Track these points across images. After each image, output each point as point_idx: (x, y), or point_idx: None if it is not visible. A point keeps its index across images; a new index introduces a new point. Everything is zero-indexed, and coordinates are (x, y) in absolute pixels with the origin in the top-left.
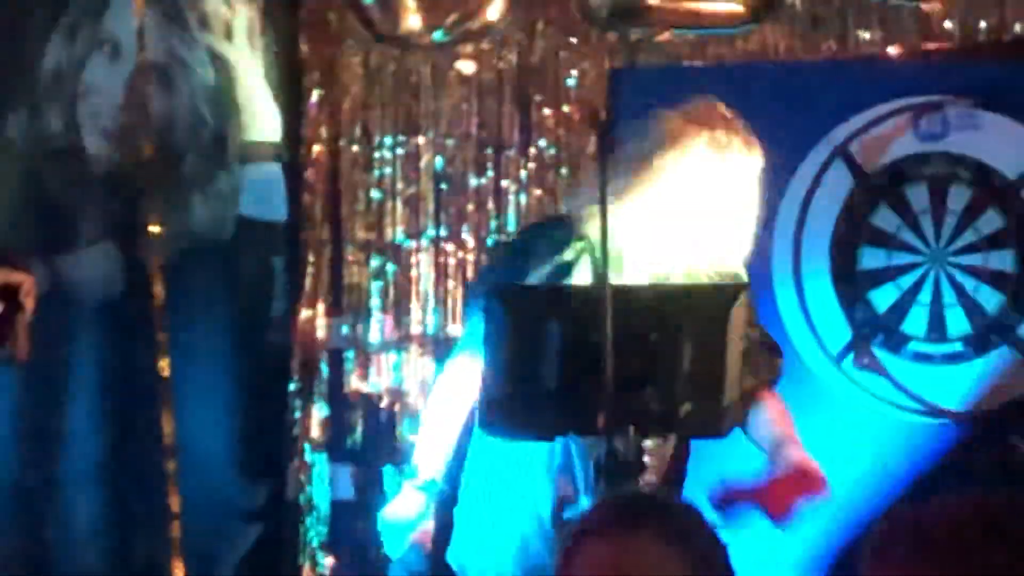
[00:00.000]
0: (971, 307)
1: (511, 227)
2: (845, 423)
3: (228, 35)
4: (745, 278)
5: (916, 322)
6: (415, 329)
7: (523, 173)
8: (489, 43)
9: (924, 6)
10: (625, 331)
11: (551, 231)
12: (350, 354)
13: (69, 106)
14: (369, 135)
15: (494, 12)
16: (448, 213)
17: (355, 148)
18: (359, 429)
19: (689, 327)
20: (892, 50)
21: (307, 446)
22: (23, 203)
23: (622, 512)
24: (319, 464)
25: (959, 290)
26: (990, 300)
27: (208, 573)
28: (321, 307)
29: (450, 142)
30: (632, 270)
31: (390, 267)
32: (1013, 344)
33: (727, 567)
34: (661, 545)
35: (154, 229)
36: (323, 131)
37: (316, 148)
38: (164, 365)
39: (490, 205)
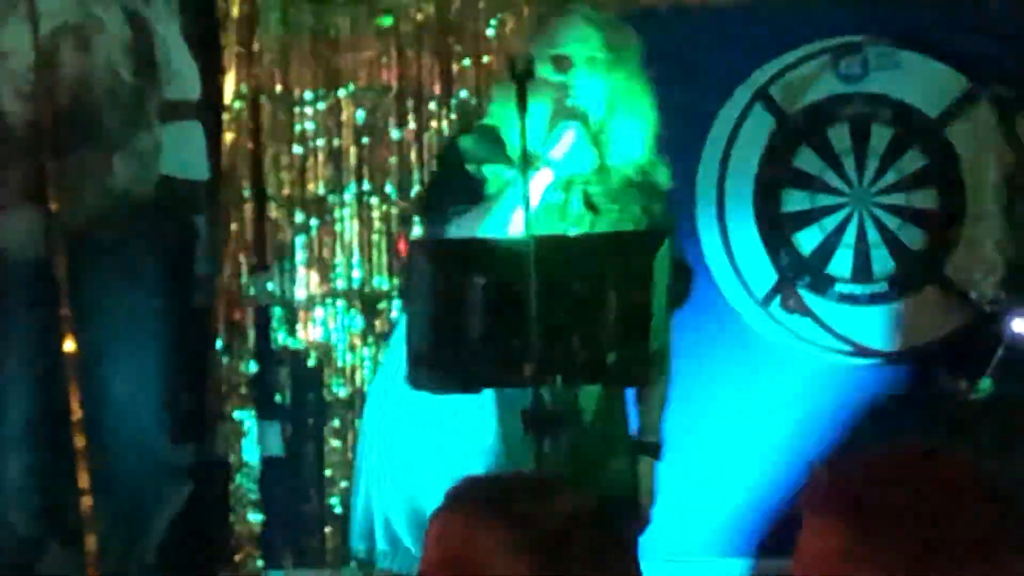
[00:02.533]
0: (896, 246)
1: None
2: (772, 366)
3: None
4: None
5: (841, 263)
6: (340, 284)
7: (444, 124)
8: None
9: None
10: (549, 281)
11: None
12: (276, 310)
13: None
14: (289, 90)
15: None
16: (371, 166)
17: (275, 103)
18: (287, 385)
19: (613, 275)
20: None
21: (235, 404)
22: None
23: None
24: (248, 421)
25: (883, 230)
26: (914, 239)
27: (139, 533)
28: (245, 264)
29: (370, 95)
30: None
31: (314, 222)
32: (938, 282)
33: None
34: (499, 530)
35: (54, 205)
36: (243, 87)
37: (236, 105)
38: (70, 340)
39: (412, 157)
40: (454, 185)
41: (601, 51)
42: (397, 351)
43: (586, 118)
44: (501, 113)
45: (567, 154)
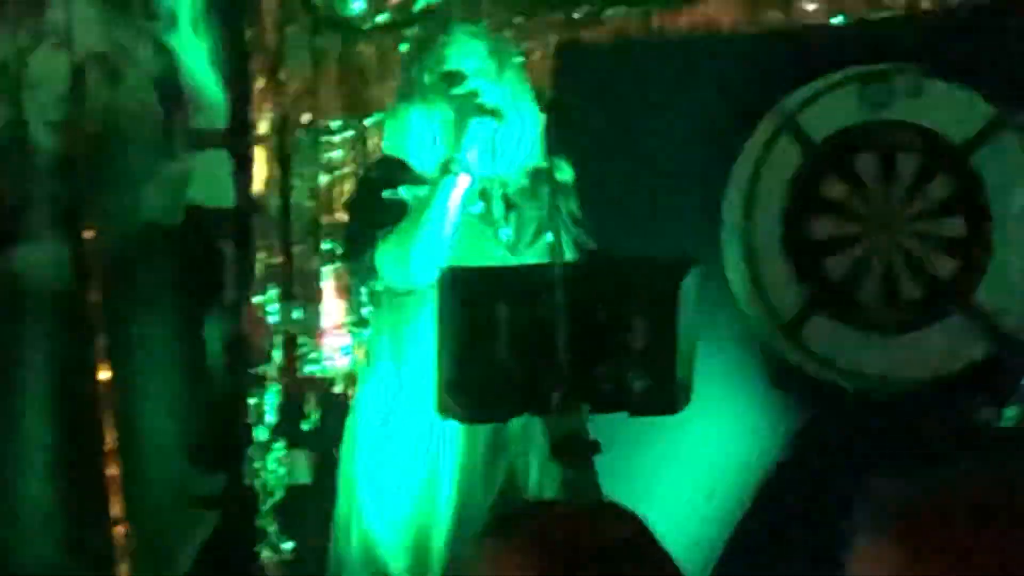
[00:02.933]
0: (922, 274)
1: None
2: (799, 393)
3: (173, 22)
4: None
5: (868, 291)
6: (366, 312)
7: None
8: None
9: None
10: (576, 310)
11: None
12: (303, 339)
13: (14, 98)
14: (316, 119)
15: None
16: None
17: (303, 132)
18: (314, 414)
19: (640, 304)
20: (837, 20)
21: (262, 432)
22: None
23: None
24: (275, 450)
25: (910, 257)
26: (941, 266)
27: (166, 562)
28: (273, 292)
29: None
30: None
31: (341, 250)
32: (965, 310)
33: None
34: (525, 556)
35: (88, 234)
36: (270, 116)
37: (264, 133)
38: (104, 370)
39: None
40: (373, 210)
41: (487, 61)
42: (371, 384)
43: (499, 116)
44: (398, 136)
45: (481, 153)
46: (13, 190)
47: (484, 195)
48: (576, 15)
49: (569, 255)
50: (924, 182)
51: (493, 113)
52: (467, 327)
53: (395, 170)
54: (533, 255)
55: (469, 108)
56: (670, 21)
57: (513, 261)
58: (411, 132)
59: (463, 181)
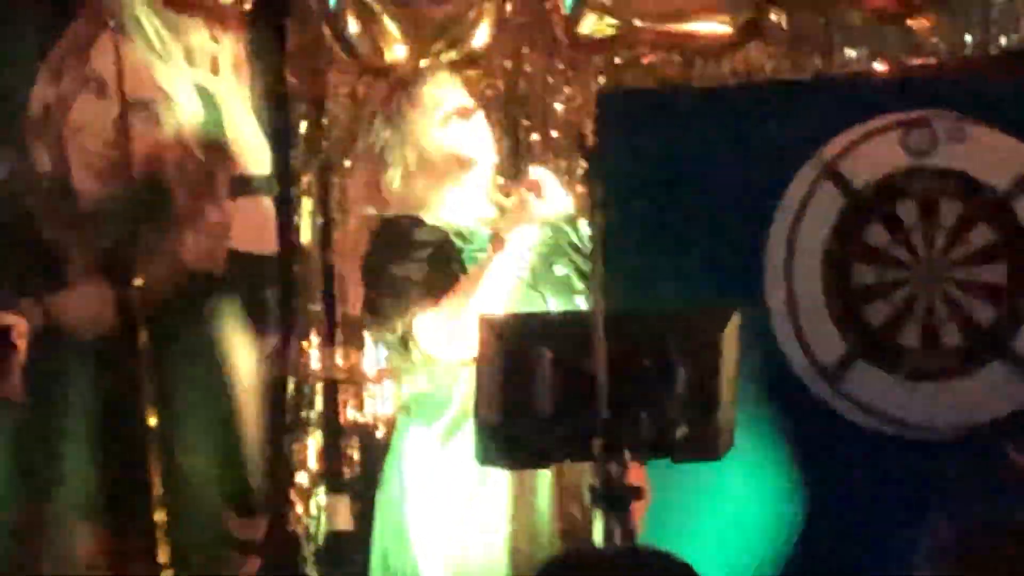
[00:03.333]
0: (964, 321)
1: None
2: (839, 440)
3: (214, 69)
4: None
5: (910, 337)
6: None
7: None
8: (475, 70)
9: (910, 22)
10: (617, 356)
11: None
12: (345, 384)
13: (57, 144)
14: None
15: (480, 39)
16: None
17: (344, 178)
18: (355, 460)
19: (681, 351)
20: (878, 66)
21: (304, 477)
22: (12, 242)
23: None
24: (316, 495)
25: (952, 304)
26: (984, 314)
27: None
28: (315, 338)
29: None
30: None
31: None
32: (1006, 358)
33: None
34: None
35: (138, 282)
36: (312, 162)
37: (305, 179)
38: (151, 415)
39: None
40: (394, 274)
41: None
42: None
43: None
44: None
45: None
46: (56, 236)
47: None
48: (617, 61)
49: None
50: (966, 229)
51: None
52: (507, 373)
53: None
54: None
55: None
56: (711, 67)
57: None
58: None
59: (511, 251)
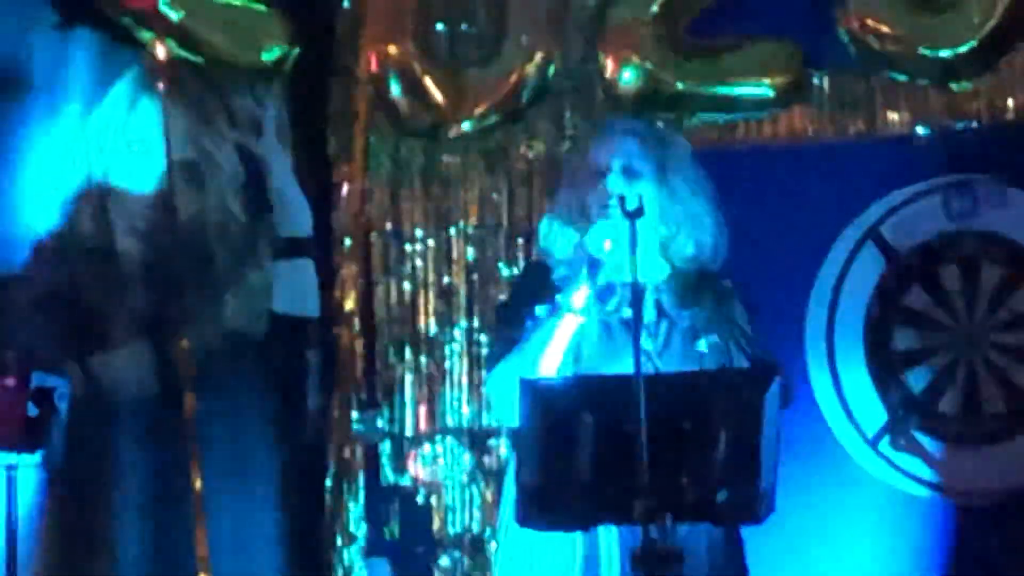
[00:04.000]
0: (1006, 386)
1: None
2: (882, 505)
3: (257, 131)
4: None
5: (951, 402)
6: (450, 421)
7: None
8: (517, 132)
9: (953, 85)
10: (658, 419)
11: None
12: (385, 447)
13: (100, 207)
14: (400, 227)
15: (521, 101)
16: (480, 304)
17: (386, 241)
18: (396, 521)
19: (723, 413)
20: (921, 130)
21: (345, 540)
22: (56, 304)
23: None
24: (357, 557)
25: (993, 369)
26: None
27: None
28: (355, 400)
29: (481, 232)
30: None
31: (423, 359)
32: None
33: None
34: None
35: (184, 344)
36: (354, 224)
37: (347, 242)
38: (196, 479)
39: None
40: (511, 323)
41: (638, 159)
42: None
43: (639, 216)
44: (544, 243)
45: (592, 293)
46: (99, 298)
47: (636, 298)
48: (660, 123)
49: (738, 365)
50: (1007, 293)
51: (633, 215)
52: (548, 436)
53: (540, 277)
54: (677, 362)
55: (605, 213)
56: (754, 130)
57: (652, 368)
58: (552, 241)
59: (569, 321)
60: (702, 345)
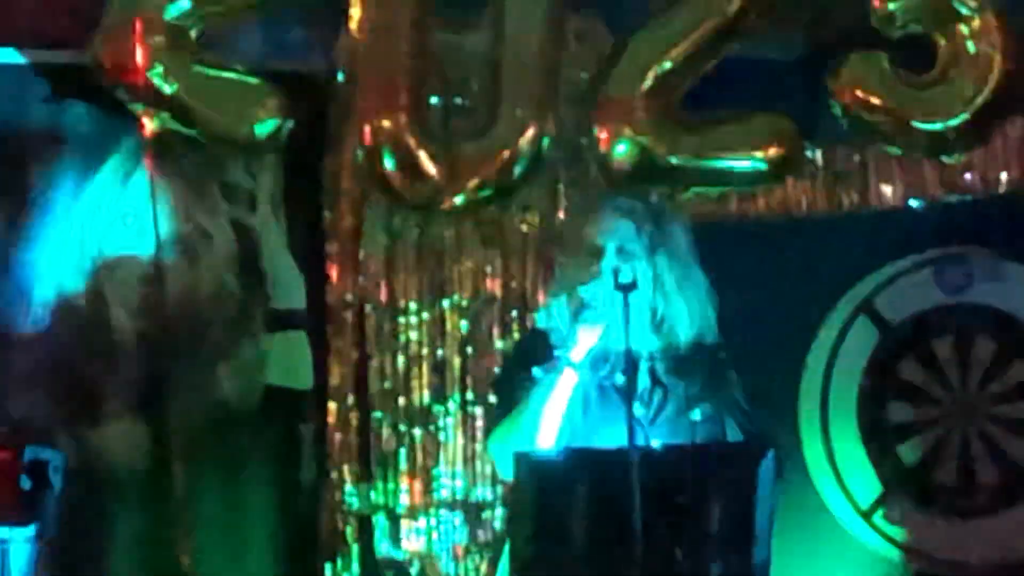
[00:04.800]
0: (1000, 459)
1: None
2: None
3: (251, 204)
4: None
5: (945, 475)
6: (444, 493)
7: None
8: (511, 205)
9: (945, 158)
10: (652, 492)
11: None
12: (379, 520)
13: (94, 279)
14: (394, 300)
15: (515, 175)
16: (474, 376)
17: (380, 313)
18: None
19: (716, 487)
20: (913, 202)
21: None
22: (50, 377)
23: None
24: None
25: (988, 442)
26: (1019, 451)
27: None
28: (349, 473)
29: (475, 305)
30: None
31: (417, 431)
32: None
33: None
34: None
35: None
36: (348, 297)
37: (341, 314)
38: (185, 553)
39: None
40: (511, 390)
41: (633, 239)
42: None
43: (633, 289)
44: (552, 315)
45: (590, 353)
46: (93, 371)
47: (631, 367)
48: (653, 198)
49: (732, 436)
50: (1001, 366)
51: (627, 288)
52: (544, 508)
53: (538, 346)
54: (668, 432)
55: (577, 305)
56: (748, 203)
57: (642, 436)
58: (555, 312)
59: (568, 377)
60: (695, 415)
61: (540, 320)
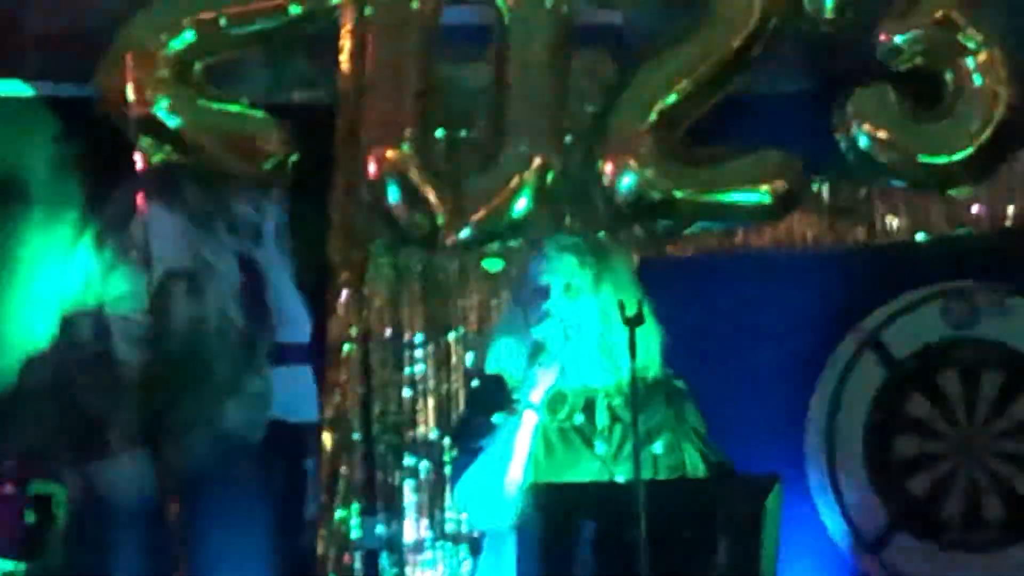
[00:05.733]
0: (1007, 493)
1: None
2: None
3: (257, 239)
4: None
5: (951, 509)
6: (449, 527)
7: None
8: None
9: (951, 192)
10: (658, 526)
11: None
12: (385, 554)
13: (98, 314)
14: (399, 334)
15: (520, 209)
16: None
17: (385, 347)
18: None
19: (723, 521)
20: (920, 236)
21: None
22: (54, 411)
23: None
24: None
25: (994, 476)
26: None
27: None
28: (355, 507)
29: (479, 339)
30: None
31: (423, 465)
32: None
33: None
34: None
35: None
36: (353, 331)
37: (346, 348)
38: None
39: None
40: (469, 435)
41: (578, 275)
42: None
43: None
44: (495, 356)
45: (547, 392)
46: (97, 405)
47: (588, 406)
48: (658, 231)
49: (693, 466)
50: (1008, 400)
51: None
52: (549, 541)
53: (491, 389)
54: (631, 466)
55: (534, 347)
56: (753, 237)
57: (608, 474)
58: (504, 354)
59: (528, 419)
60: (656, 447)
61: (490, 364)
